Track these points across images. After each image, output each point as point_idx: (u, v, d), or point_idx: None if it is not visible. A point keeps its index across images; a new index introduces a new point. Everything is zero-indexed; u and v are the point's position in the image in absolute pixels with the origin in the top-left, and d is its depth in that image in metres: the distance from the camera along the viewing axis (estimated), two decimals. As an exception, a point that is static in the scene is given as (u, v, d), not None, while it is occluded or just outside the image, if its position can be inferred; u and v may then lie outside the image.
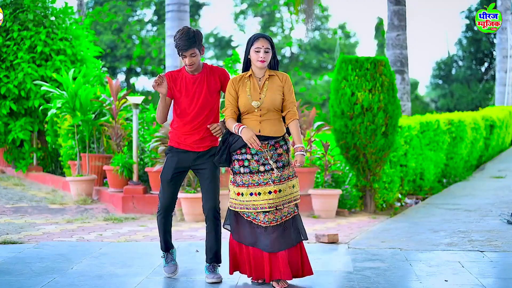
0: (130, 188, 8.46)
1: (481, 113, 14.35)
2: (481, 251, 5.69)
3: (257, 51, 4.48)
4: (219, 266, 4.82)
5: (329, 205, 8.00)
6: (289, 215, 4.52)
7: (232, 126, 4.49)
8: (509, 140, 17.64)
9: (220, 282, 4.66)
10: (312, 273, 4.59)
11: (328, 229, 7.15)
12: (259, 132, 4.49)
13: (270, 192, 4.45)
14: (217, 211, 4.74)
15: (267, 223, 4.45)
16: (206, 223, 4.78)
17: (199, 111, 4.66)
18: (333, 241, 6.19)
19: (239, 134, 4.45)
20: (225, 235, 6.15)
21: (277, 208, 4.47)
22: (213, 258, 4.77)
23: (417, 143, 9.58)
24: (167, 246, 4.93)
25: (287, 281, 4.52)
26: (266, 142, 4.49)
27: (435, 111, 19.92)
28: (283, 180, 4.50)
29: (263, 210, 4.45)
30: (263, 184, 4.46)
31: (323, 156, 8.36)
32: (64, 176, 11.03)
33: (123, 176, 8.74)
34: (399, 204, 9.08)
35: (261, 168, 4.47)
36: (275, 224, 4.46)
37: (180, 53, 4.58)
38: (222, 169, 8.08)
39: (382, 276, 4.82)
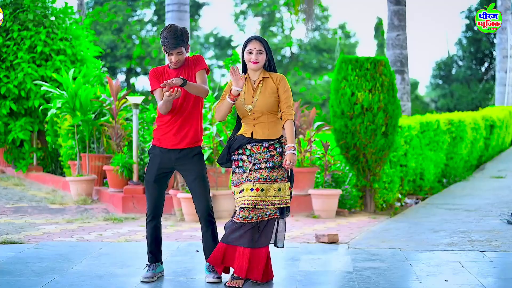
0: (130, 188, 8.46)
1: (481, 113, 14.36)
2: (481, 251, 5.68)
3: (249, 53, 4.49)
4: (219, 265, 4.82)
5: (329, 205, 8.00)
6: (266, 216, 4.49)
7: (225, 99, 4.47)
8: (509, 140, 17.64)
9: (220, 281, 4.66)
10: (268, 279, 4.56)
11: (328, 229, 7.15)
12: (252, 135, 4.51)
13: (252, 189, 4.45)
14: (211, 211, 4.74)
15: (240, 219, 4.46)
16: (200, 223, 4.77)
17: (182, 102, 4.63)
18: (333, 241, 6.19)
19: (233, 93, 4.40)
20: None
21: (256, 207, 4.45)
22: (213, 256, 4.77)
23: (417, 143, 9.58)
24: (155, 258, 4.81)
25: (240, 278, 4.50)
26: (260, 144, 4.49)
27: (435, 111, 19.93)
28: (269, 180, 4.47)
29: (242, 206, 4.46)
30: (248, 181, 4.47)
31: (323, 156, 8.35)
32: (64, 176, 11.03)
33: (123, 176, 8.74)
34: (399, 204, 9.08)
35: (252, 167, 4.49)
36: (248, 222, 4.45)
37: (166, 51, 4.57)
38: (222, 170, 8.09)
39: (382, 276, 4.82)
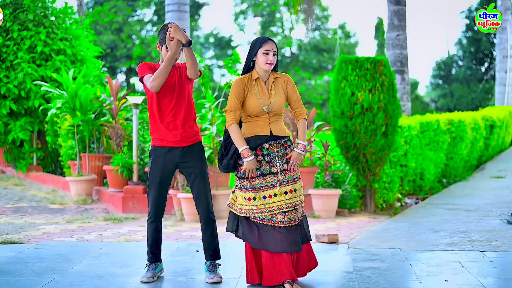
0: (130, 188, 8.46)
1: (481, 113, 14.36)
2: (481, 251, 5.68)
3: (266, 53, 4.45)
4: (220, 265, 4.82)
5: (329, 205, 8.00)
6: (301, 214, 4.52)
7: (240, 145, 4.37)
8: (509, 140, 17.65)
9: (220, 282, 4.66)
10: (317, 264, 4.64)
11: (328, 229, 7.15)
12: (271, 133, 4.47)
13: (286, 193, 4.43)
14: (211, 209, 4.76)
15: (286, 223, 4.40)
16: (200, 222, 4.78)
17: (178, 98, 4.65)
18: (333, 241, 6.19)
19: (244, 159, 4.35)
20: (226, 234, 6.16)
21: (295, 208, 4.46)
22: (213, 255, 4.77)
23: (417, 143, 9.58)
24: (154, 257, 4.82)
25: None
26: (277, 142, 4.48)
27: (435, 111, 19.93)
28: (296, 179, 4.49)
29: (281, 210, 4.40)
30: (277, 185, 4.43)
31: (323, 156, 8.35)
32: (64, 176, 11.03)
33: (123, 176, 8.74)
34: (399, 204, 9.07)
35: (273, 170, 4.43)
36: (294, 224, 4.43)
37: (167, 45, 4.58)
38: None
39: (382, 276, 4.82)
